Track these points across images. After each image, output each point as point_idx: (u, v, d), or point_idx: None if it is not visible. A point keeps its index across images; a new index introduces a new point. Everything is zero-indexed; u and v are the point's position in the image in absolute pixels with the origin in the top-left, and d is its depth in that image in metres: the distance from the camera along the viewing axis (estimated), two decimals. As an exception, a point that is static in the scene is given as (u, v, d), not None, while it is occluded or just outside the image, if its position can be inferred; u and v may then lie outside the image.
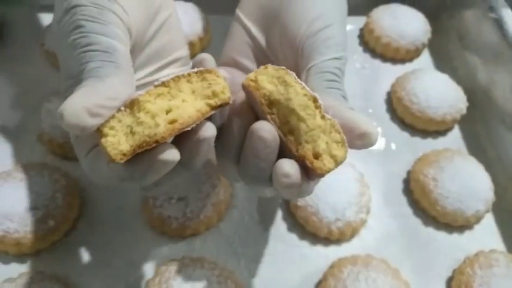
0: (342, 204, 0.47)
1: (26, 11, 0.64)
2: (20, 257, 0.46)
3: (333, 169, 0.28)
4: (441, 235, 0.50)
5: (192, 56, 0.61)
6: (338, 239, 0.48)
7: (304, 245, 0.48)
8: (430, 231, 0.50)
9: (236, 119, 0.30)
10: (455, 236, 0.50)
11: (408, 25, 0.63)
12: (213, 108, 0.28)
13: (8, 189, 0.46)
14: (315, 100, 0.28)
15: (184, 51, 0.38)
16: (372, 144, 0.29)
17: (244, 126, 0.30)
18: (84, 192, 0.50)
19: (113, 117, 0.27)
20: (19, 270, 0.44)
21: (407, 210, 0.52)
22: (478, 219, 0.50)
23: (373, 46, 0.64)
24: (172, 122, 0.27)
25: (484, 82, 0.59)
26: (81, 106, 0.25)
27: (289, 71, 0.29)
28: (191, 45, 0.59)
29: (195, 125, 0.28)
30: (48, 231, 0.45)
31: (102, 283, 0.45)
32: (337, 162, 0.28)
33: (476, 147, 0.57)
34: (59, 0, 0.32)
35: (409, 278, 0.46)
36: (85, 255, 0.46)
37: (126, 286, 0.45)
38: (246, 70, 0.37)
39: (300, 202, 0.47)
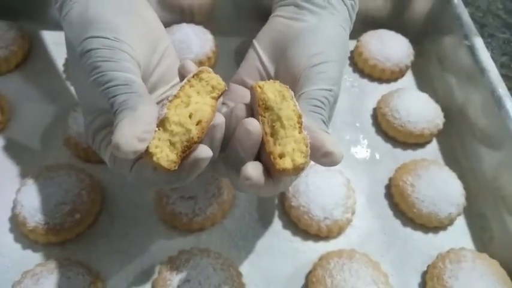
0: (330, 205, 0.53)
1: (52, 31, 0.71)
2: (48, 246, 0.50)
3: (289, 169, 0.32)
4: (417, 234, 0.55)
5: (201, 73, 0.68)
6: (326, 236, 0.54)
7: (297, 240, 0.54)
8: (408, 231, 0.56)
9: (234, 119, 0.36)
10: (430, 236, 0.55)
11: (393, 49, 0.70)
12: (216, 98, 0.34)
13: (39, 186, 0.51)
14: (299, 117, 0.34)
15: None
16: (335, 163, 0.34)
17: (236, 120, 0.35)
18: (105, 191, 0.55)
19: (153, 138, 0.32)
20: (48, 257, 0.49)
21: (388, 212, 0.57)
22: (451, 221, 0.56)
23: (362, 67, 0.71)
24: (198, 123, 0.33)
25: (459, 101, 0.66)
26: (131, 135, 0.30)
27: (290, 90, 0.36)
28: (200, 63, 0.66)
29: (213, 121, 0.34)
30: (74, 223, 0.50)
31: (120, 269, 0.50)
32: (295, 166, 0.32)
33: (451, 158, 0.63)
34: (70, 46, 0.39)
35: (388, 271, 0.51)
36: (105, 245, 0.51)
37: (142, 272, 0.50)
38: None
39: (294, 203, 0.53)
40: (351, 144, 0.63)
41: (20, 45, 0.66)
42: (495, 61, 0.63)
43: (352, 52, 0.73)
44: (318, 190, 0.54)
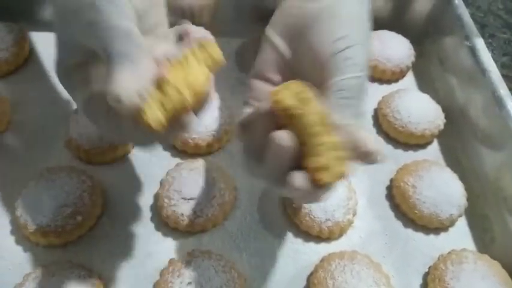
0: (332, 207, 0.53)
1: (52, 33, 0.71)
2: (49, 248, 0.50)
3: (332, 182, 0.31)
4: (419, 236, 0.55)
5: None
6: (328, 237, 0.54)
7: (298, 242, 0.54)
8: (409, 232, 0.56)
9: (260, 124, 0.34)
10: (431, 237, 0.56)
11: (394, 49, 0.70)
12: (212, 70, 0.33)
13: (41, 188, 0.51)
14: (326, 118, 0.31)
15: (166, 26, 0.39)
16: (374, 162, 0.32)
17: (266, 130, 0.33)
18: (107, 193, 0.55)
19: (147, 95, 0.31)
20: (49, 259, 0.49)
21: (389, 213, 0.57)
22: (452, 222, 0.56)
23: (363, 68, 0.71)
24: (193, 91, 0.31)
25: (460, 101, 0.66)
26: (134, 90, 0.29)
27: (309, 87, 0.32)
28: (201, 65, 0.66)
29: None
30: (76, 226, 0.50)
31: (122, 271, 0.50)
32: (337, 177, 0.31)
33: (453, 159, 0.63)
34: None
35: (389, 272, 0.51)
36: (107, 247, 0.51)
37: (143, 274, 0.50)
38: (272, 83, 0.39)
39: (295, 204, 0.54)
40: (352, 145, 0.63)
41: (21, 47, 0.66)
42: (496, 61, 0.63)
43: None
44: (319, 191, 0.53)
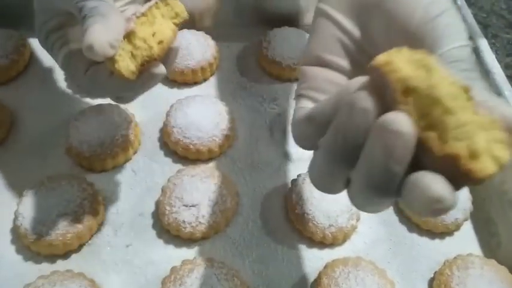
0: (335, 212, 0.52)
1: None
2: (50, 258, 0.50)
3: (495, 173, 0.22)
4: (424, 240, 0.55)
5: (203, 80, 0.68)
6: (331, 243, 0.53)
7: (302, 248, 0.53)
8: (414, 236, 0.55)
9: (354, 111, 0.23)
10: (436, 242, 0.55)
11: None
12: (177, 25, 0.37)
13: (41, 197, 0.51)
14: (466, 90, 0.22)
15: None
16: None
17: (364, 118, 0.23)
18: (108, 200, 0.55)
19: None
20: (50, 269, 0.48)
21: (393, 218, 0.56)
22: (457, 226, 0.55)
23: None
24: (160, 42, 0.36)
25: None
26: (105, 40, 0.33)
27: (430, 55, 0.23)
28: (202, 70, 0.65)
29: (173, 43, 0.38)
30: (76, 234, 0.50)
31: (124, 280, 0.49)
32: (501, 165, 0.22)
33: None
34: None
35: (394, 278, 0.50)
36: (109, 256, 0.51)
37: (145, 282, 0.49)
38: (335, 68, 0.32)
39: (298, 210, 0.53)
40: (354, 149, 0.62)
41: (21, 54, 0.66)
42: (499, 62, 0.62)
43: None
44: (322, 197, 0.53)
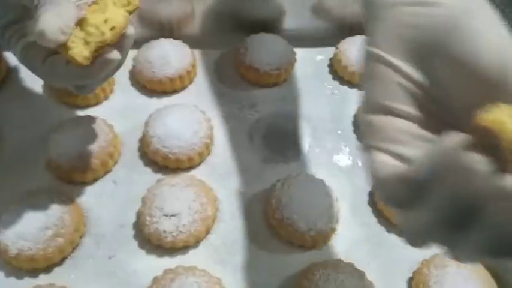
0: (314, 216, 0.53)
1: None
2: (32, 272, 0.50)
3: None
4: (402, 241, 0.56)
5: (182, 88, 0.68)
6: (312, 246, 0.54)
7: (283, 252, 0.54)
8: (393, 237, 0.56)
9: (470, 174, 0.22)
10: (414, 241, 0.57)
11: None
12: (130, 12, 0.39)
13: (21, 212, 0.50)
14: None
15: None
16: None
17: (486, 182, 0.22)
18: (89, 212, 0.55)
19: (70, 34, 0.37)
20: (32, 283, 0.49)
21: (372, 220, 0.57)
22: (434, 225, 0.57)
23: (342, 74, 0.71)
24: (112, 28, 0.38)
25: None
26: (56, 27, 0.35)
27: None
28: (180, 78, 0.66)
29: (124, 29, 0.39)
30: (58, 248, 0.50)
31: (106, 292, 0.50)
32: None
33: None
34: None
35: (374, 279, 0.51)
36: (91, 268, 0.51)
37: None
38: (404, 116, 0.30)
39: (277, 215, 0.53)
40: (333, 152, 0.64)
41: (-3, 68, 0.65)
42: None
43: (331, 59, 0.74)
44: (300, 201, 0.54)
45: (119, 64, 0.42)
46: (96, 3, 0.38)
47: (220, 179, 0.60)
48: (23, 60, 0.42)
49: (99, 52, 0.38)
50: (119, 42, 0.40)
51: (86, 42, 0.37)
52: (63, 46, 0.37)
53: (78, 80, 0.41)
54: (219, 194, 0.58)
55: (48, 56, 0.40)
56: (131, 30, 0.41)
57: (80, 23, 0.37)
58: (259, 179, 0.60)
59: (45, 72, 0.41)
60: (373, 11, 0.33)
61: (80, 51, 0.37)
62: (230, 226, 0.56)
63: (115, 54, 0.39)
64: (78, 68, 0.38)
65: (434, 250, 0.54)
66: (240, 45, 0.70)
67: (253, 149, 0.63)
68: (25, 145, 0.60)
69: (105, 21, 0.38)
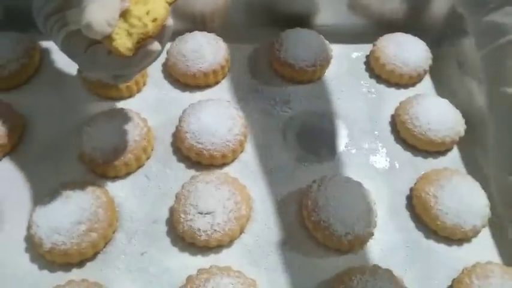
0: (352, 219, 0.51)
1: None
2: (65, 266, 0.50)
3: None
4: (441, 247, 0.54)
5: (215, 83, 0.67)
6: (348, 250, 0.52)
7: (318, 256, 0.52)
8: (431, 243, 0.54)
9: None
10: (454, 249, 0.54)
11: (411, 53, 0.68)
12: (170, 3, 0.39)
13: (55, 205, 0.50)
14: None
15: None
16: None
17: None
18: (122, 207, 0.55)
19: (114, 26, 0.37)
20: (65, 278, 0.48)
21: (410, 224, 0.56)
22: (475, 233, 0.54)
23: (379, 72, 0.69)
24: (154, 20, 0.38)
25: (480, 106, 0.64)
26: (103, 19, 0.35)
27: None
28: (214, 73, 0.64)
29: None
30: (92, 243, 0.49)
31: (139, 289, 0.49)
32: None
33: (474, 166, 0.61)
34: None
35: (412, 286, 0.49)
36: (124, 264, 0.51)
37: None
38: None
39: (314, 217, 0.52)
40: (370, 154, 0.62)
41: (31, 58, 0.65)
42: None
43: (367, 57, 0.72)
44: (338, 204, 0.52)
45: (159, 55, 0.42)
46: None
47: (253, 176, 0.58)
48: (65, 49, 0.42)
49: (140, 43, 0.38)
50: (159, 34, 0.40)
51: (129, 34, 0.37)
52: (107, 37, 0.37)
53: (119, 70, 0.41)
54: (253, 193, 0.56)
55: (90, 46, 0.40)
56: (170, 22, 0.41)
57: (123, 14, 0.37)
58: (292, 178, 0.59)
59: (86, 62, 0.41)
60: None
61: (123, 43, 0.37)
62: (264, 226, 0.54)
63: (156, 46, 0.39)
64: (120, 59, 0.39)
65: (475, 259, 0.52)
66: (275, 40, 0.68)
67: (287, 147, 0.61)
68: (57, 136, 0.60)
69: (147, 12, 0.38)
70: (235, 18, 0.72)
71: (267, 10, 0.71)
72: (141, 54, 0.39)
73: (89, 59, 0.41)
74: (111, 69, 0.41)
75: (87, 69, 0.43)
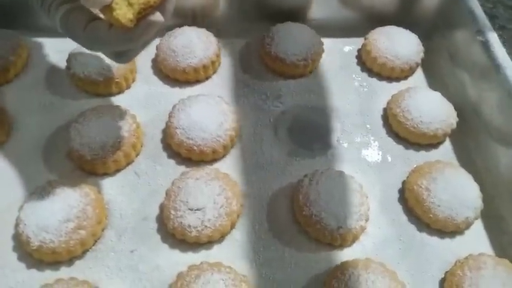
0: (344, 213, 0.51)
1: (51, 39, 0.68)
2: (53, 265, 0.49)
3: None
4: (434, 240, 0.54)
5: (205, 78, 0.66)
6: (340, 245, 0.52)
7: (310, 250, 0.52)
8: (424, 236, 0.54)
9: None
10: (447, 241, 0.54)
11: (402, 46, 0.67)
12: None
13: (43, 202, 0.49)
14: None
15: None
16: None
17: None
18: (111, 204, 0.54)
19: None
20: (54, 276, 0.48)
21: (403, 217, 0.55)
22: (468, 225, 0.54)
23: (370, 66, 0.69)
24: None
25: (473, 99, 0.64)
26: None
27: None
28: (204, 68, 0.64)
29: None
30: (80, 241, 0.49)
31: (129, 286, 0.48)
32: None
33: (466, 159, 0.61)
34: None
35: (405, 280, 0.49)
36: (113, 262, 0.50)
37: None
38: None
39: (306, 212, 0.51)
40: (361, 147, 0.61)
41: (18, 55, 0.64)
42: (509, 55, 0.61)
43: (359, 50, 0.71)
44: (329, 198, 0.52)
45: (161, 28, 0.40)
46: None
47: (245, 172, 0.58)
48: (64, 27, 0.41)
49: (142, 14, 0.37)
50: (162, 5, 0.38)
51: (130, 4, 0.36)
52: (107, 8, 0.36)
53: (121, 44, 0.39)
54: (244, 188, 0.56)
55: (90, 22, 0.39)
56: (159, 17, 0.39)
57: None
58: (284, 173, 0.58)
59: (87, 38, 0.40)
60: None
61: (124, 13, 0.36)
62: (255, 222, 0.54)
63: (158, 17, 0.38)
64: (121, 32, 0.38)
65: (468, 251, 0.52)
66: (266, 35, 0.68)
67: (278, 142, 0.61)
68: (46, 133, 0.59)
69: None
70: (226, 13, 0.71)
71: (258, 4, 0.71)
72: (143, 25, 0.38)
73: (89, 36, 0.39)
74: (112, 45, 0.40)
75: (88, 47, 0.41)
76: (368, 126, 0.63)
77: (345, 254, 0.52)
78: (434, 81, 0.69)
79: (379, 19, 0.72)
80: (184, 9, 0.70)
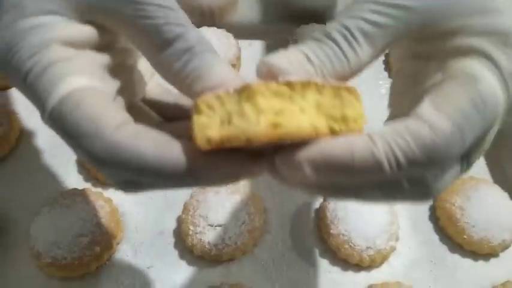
0: (373, 233, 0.48)
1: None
2: (66, 281, 0.47)
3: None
4: (467, 262, 0.51)
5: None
6: (369, 266, 0.49)
7: (336, 271, 0.49)
8: (456, 258, 0.51)
9: None
10: (480, 263, 0.51)
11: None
12: (333, 133, 0.22)
13: (55, 216, 0.47)
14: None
15: None
16: None
17: None
18: (125, 217, 0.51)
19: (215, 95, 0.22)
20: (65, 292, 0.46)
21: (434, 237, 0.52)
22: (504, 248, 0.51)
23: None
24: (275, 126, 0.21)
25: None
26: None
27: None
28: (224, 72, 0.61)
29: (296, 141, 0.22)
30: (94, 257, 0.46)
31: (145, 306, 0.46)
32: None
33: (500, 174, 0.57)
34: None
35: (436, 305, 0.47)
36: (128, 278, 0.48)
37: None
38: None
39: (333, 230, 0.48)
40: (389, 160, 0.58)
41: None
42: None
43: (386, 55, 0.68)
44: (358, 216, 0.49)
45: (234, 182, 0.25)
46: (291, 86, 0.22)
47: (267, 185, 0.55)
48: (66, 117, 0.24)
49: (227, 146, 0.22)
50: (269, 146, 0.23)
51: (228, 121, 0.22)
52: (194, 105, 0.22)
53: (160, 179, 0.24)
54: (266, 203, 0.53)
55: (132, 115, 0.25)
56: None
57: (242, 92, 0.21)
58: (308, 186, 0.55)
59: (113, 146, 0.23)
60: None
61: (206, 123, 0.22)
62: (278, 239, 0.51)
63: (251, 168, 0.23)
64: (180, 156, 0.22)
65: (504, 275, 0.49)
66: (289, 37, 0.64)
67: (301, 152, 0.58)
68: (57, 141, 0.55)
69: (277, 113, 0.21)
70: (246, 13, 0.68)
71: (280, 4, 0.68)
72: (218, 161, 0.23)
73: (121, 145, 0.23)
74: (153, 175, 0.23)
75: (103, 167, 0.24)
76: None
77: (373, 276, 0.49)
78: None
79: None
80: (201, 8, 0.66)
